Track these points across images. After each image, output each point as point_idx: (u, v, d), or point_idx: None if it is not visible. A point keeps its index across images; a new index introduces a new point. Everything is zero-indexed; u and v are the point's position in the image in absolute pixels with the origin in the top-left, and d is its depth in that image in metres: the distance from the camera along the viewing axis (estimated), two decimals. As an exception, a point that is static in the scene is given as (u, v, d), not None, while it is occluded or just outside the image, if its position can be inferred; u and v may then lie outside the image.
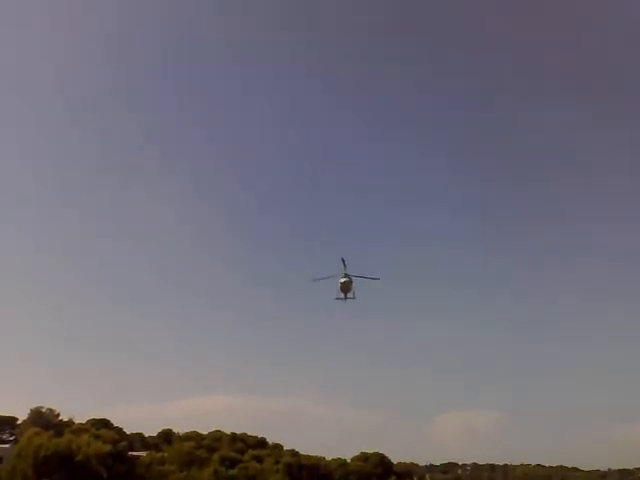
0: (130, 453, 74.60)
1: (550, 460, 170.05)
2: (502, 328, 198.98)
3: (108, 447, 61.98)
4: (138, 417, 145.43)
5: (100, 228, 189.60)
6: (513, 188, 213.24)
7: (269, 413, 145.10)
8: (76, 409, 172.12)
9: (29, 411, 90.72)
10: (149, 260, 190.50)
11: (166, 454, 77.85)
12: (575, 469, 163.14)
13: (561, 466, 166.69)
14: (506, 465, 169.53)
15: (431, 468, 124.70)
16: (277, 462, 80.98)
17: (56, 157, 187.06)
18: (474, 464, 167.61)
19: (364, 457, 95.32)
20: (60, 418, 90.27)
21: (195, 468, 69.82)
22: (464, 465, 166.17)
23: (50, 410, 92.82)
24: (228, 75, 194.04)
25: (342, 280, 46.08)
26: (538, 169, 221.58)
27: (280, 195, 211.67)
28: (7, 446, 79.91)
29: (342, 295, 46.64)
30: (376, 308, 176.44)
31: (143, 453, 78.72)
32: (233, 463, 78.71)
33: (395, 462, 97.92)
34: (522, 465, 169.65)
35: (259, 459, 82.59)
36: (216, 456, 79.75)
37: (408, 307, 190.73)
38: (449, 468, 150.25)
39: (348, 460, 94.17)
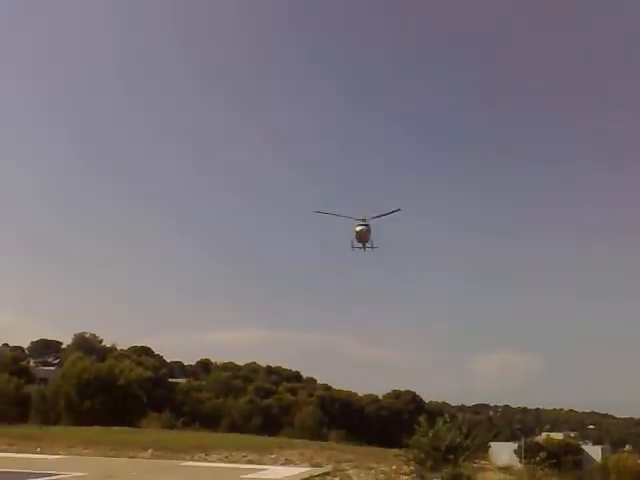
0: (169, 380, 76.88)
1: (583, 406, 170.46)
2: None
3: (149, 373, 63.79)
4: (178, 346, 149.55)
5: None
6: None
7: (303, 349, 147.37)
8: (119, 336, 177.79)
9: (73, 336, 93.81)
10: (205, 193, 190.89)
11: (204, 382, 79.98)
12: (608, 416, 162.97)
13: (594, 412, 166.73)
14: (538, 409, 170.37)
15: (462, 408, 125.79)
16: (310, 395, 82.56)
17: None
18: (506, 406, 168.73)
19: (396, 394, 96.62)
20: (103, 344, 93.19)
21: (231, 397, 71.57)
22: (496, 407, 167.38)
23: (93, 336, 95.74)
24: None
25: (358, 228, 39.08)
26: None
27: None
28: (52, 369, 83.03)
29: (360, 245, 40.79)
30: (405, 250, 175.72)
31: (182, 380, 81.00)
32: (268, 394, 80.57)
33: (427, 401, 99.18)
34: (554, 410, 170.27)
35: (293, 391, 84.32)
36: (251, 386, 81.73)
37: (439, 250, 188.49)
38: (480, 409, 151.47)
39: (380, 397, 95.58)
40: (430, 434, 17.93)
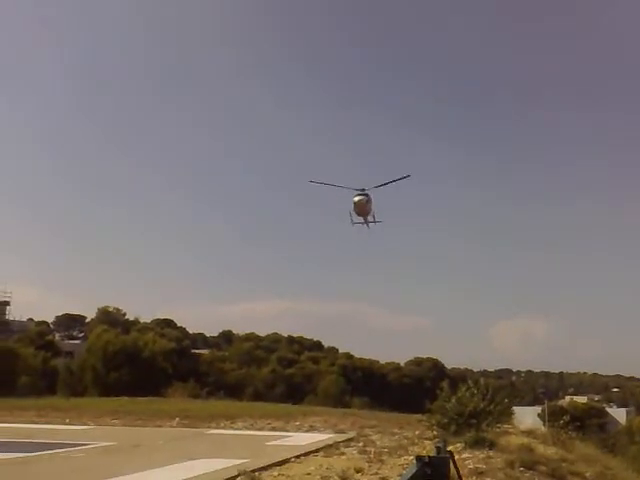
0: (193, 351, 77.86)
1: (607, 369, 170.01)
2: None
3: (172, 345, 64.66)
4: (199, 318, 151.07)
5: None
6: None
7: (324, 318, 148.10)
8: (141, 310, 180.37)
9: (97, 310, 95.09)
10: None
11: (227, 353, 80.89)
12: (633, 379, 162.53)
13: (618, 375, 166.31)
14: (561, 373, 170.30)
15: (485, 374, 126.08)
16: (332, 364, 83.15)
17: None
18: (528, 371, 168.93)
19: (418, 362, 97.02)
20: (126, 317, 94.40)
21: (254, 367, 72.38)
22: (518, 372, 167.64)
23: (117, 309, 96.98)
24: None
25: (356, 199, 33.94)
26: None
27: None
28: (77, 342, 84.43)
29: (361, 219, 36.45)
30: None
31: (205, 351, 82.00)
32: (290, 363, 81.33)
33: (449, 367, 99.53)
34: (578, 373, 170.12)
35: (315, 360, 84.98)
36: (274, 356, 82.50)
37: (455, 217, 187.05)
38: (503, 374, 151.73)
39: (402, 364, 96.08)
40: (453, 400, 18.00)
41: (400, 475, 11.43)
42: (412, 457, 14.34)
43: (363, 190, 35.31)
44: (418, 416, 21.73)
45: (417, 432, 19.69)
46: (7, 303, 78.87)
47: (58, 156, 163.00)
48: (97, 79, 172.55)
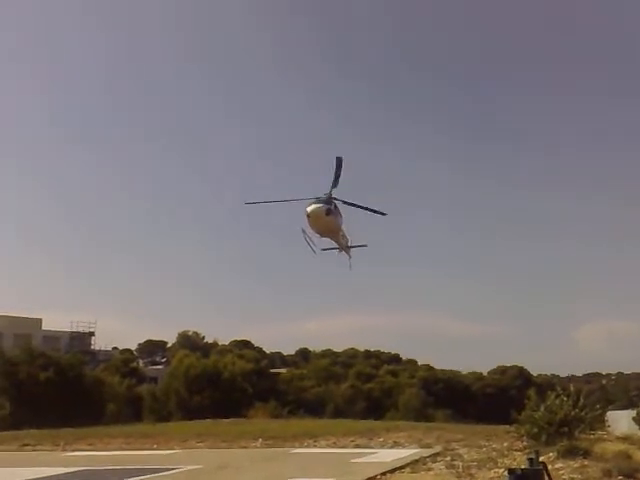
0: (271, 370, 78.50)
1: None
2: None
3: (251, 365, 65.36)
4: (276, 337, 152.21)
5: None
6: None
7: (400, 330, 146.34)
8: (219, 332, 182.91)
9: (177, 335, 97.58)
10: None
11: (304, 371, 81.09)
12: None
13: None
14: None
15: (573, 379, 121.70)
16: (412, 377, 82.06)
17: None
18: (619, 373, 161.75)
19: (501, 370, 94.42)
20: (205, 340, 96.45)
21: (332, 383, 72.19)
22: (608, 375, 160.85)
23: (196, 333, 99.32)
24: None
25: (310, 208, 23.48)
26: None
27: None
28: (160, 367, 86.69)
29: (329, 241, 26.39)
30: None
31: (283, 370, 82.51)
32: (369, 378, 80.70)
33: (534, 374, 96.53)
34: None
35: (394, 374, 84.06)
36: (352, 372, 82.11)
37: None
38: (592, 378, 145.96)
39: (485, 374, 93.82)
40: (542, 408, 17.41)
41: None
42: (502, 470, 13.88)
43: (323, 197, 24.24)
44: (505, 427, 21.11)
45: (505, 444, 19.06)
46: (92, 334, 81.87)
47: (137, 191, 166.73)
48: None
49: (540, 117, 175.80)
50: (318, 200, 23.93)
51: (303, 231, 24.72)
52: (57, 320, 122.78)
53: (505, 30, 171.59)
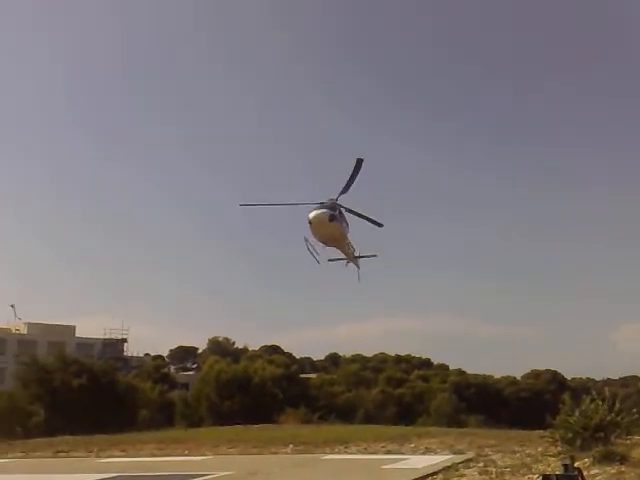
0: (301, 375, 78.59)
1: None
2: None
3: (281, 370, 65.55)
4: (305, 342, 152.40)
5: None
6: None
7: (430, 335, 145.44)
8: (249, 338, 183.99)
9: (207, 341, 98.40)
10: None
11: (334, 376, 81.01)
12: None
13: None
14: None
15: (608, 382, 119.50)
16: (444, 381, 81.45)
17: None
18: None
19: (535, 374, 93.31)
20: (235, 346, 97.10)
21: (363, 388, 71.98)
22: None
23: (226, 339, 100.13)
24: None
25: (312, 215, 22.30)
26: None
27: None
28: (191, 373, 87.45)
29: (334, 250, 25.13)
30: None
31: (313, 375, 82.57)
32: (399, 383, 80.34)
33: (569, 378, 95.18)
34: None
35: (425, 379, 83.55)
36: (382, 377, 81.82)
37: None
38: (629, 381, 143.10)
39: (518, 378, 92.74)
40: (577, 412, 17.09)
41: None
42: (537, 476, 13.66)
43: (328, 202, 22.94)
44: (539, 432, 20.77)
45: (540, 449, 18.75)
46: (125, 340, 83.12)
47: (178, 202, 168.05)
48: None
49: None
50: (321, 206, 22.56)
51: (306, 240, 23.18)
52: (90, 327, 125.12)
53: (538, 31, 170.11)
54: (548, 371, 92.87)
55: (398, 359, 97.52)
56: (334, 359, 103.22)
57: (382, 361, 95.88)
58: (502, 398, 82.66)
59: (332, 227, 22.60)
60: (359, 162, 22.23)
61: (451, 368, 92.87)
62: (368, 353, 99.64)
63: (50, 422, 43.62)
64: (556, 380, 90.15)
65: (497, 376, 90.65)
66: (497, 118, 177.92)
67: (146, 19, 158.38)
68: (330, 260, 25.78)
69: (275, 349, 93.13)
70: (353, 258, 26.46)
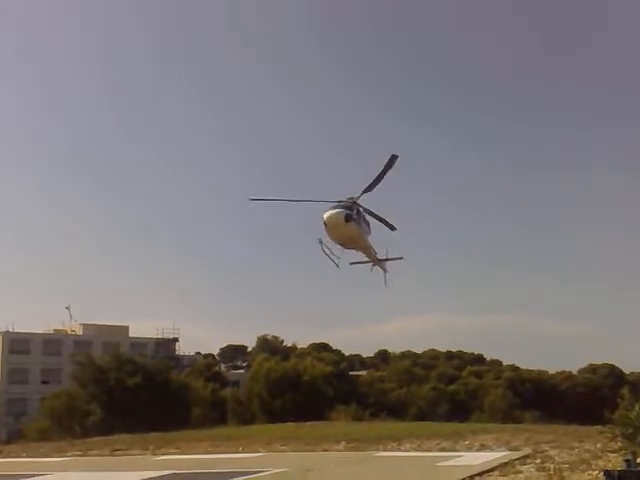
0: (350, 373, 78.53)
1: None
2: None
3: (330, 368, 65.63)
4: (353, 339, 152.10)
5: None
6: None
7: (483, 330, 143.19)
8: (297, 336, 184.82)
9: (256, 339, 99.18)
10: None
11: (385, 373, 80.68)
12: None
13: None
14: None
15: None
16: (498, 377, 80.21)
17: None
18: None
19: (592, 368, 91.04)
20: (284, 344, 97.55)
21: (414, 385, 71.44)
22: None
23: (275, 337, 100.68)
24: None
25: (327, 215, 21.18)
26: None
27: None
28: (242, 371, 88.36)
29: (354, 252, 24.05)
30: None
31: (362, 372, 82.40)
32: (451, 379, 79.46)
33: (627, 372, 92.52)
34: None
35: (478, 375, 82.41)
36: (434, 373, 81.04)
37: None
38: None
39: (574, 373, 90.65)
40: (637, 407, 16.55)
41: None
42: (597, 472, 13.29)
43: (346, 202, 21.50)
44: (598, 427, 20.23)
45: (599, 445, 18.25)
46: (176, 339, 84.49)
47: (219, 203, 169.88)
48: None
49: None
50: (338, 205, 21.24)
51: (320, 242, 21.82)
52: (142, 327, 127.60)
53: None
54: (605, 365, 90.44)
55: (449, 355, 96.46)
56: (383, 356, 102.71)
57: (433, 357, 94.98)
58: (558, 393, 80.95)
59: (349, 228, 21.42)
60: (393, 158, 21.14)
61: (505, 364, 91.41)
62: (418, 349, 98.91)
63: (107, 420, 44.62)
64: (614, 374, 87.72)
65: (552, 371, 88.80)
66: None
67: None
68: (352, 263, 24.46)
69: (324, 346, 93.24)
70: (378, 261, 25.22)
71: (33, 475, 18.44)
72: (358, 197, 21.58)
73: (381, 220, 22.73)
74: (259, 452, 23.04)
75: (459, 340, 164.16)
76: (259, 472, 16.55)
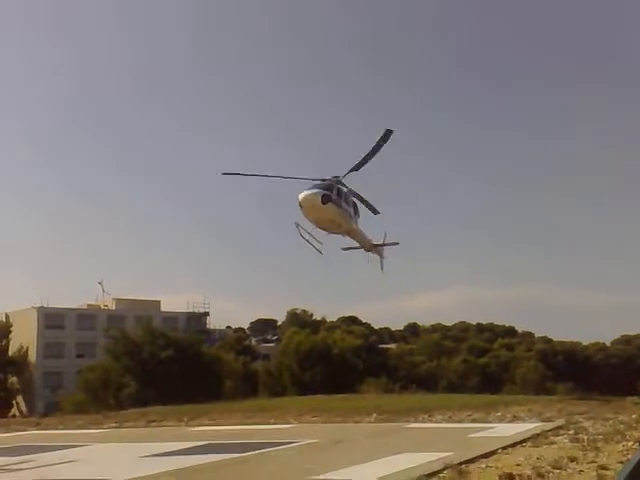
0: (380, 346, 78.67)
1: None
2: None
3: (360, 341, 65.80)
4: (382, 313, 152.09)
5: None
6: None
7: (512, 303, 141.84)
8: (326, 309, 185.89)
9: (286, 313, 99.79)
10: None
11: (414, 346, 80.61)
12: None
13: None
14: None
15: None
16: (529, 350, 79.60)
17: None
18: None
19: (626, 339, 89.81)
20: (313, 318, 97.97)
21: (444, 358, 71.30)
22: None
23: (304, 311, 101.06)
24: None
25: (302, 195, 19.99)
26: None
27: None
28: (272, 345, 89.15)
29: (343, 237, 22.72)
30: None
31: (392, 346, 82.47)
32: (482, 352, 79.01)
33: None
34: None
35: (509, 347, 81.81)
36: (464, 346, 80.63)
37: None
38: None
39: (608, 344, 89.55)
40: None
41: (622, 463, 10.45)
42: (632, 443, 13.13)
43: (329, 181, 19.86)
44: (632, 398, 20.02)
45: (634, 416, 18.06)
46: (207, 314, 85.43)
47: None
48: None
49: None
50: (316, 185, 19.96)
51: (297, 225, 20.57)
52: (174, 302, 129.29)
53: None
54: (639, 336, 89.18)
55: (480, 328, 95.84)
56: (413, 329, 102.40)
57: (463, 330, 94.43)
58: (591, 365, 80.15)
59: (327, 210, 20.14)
60: (388, 133, 19.97)
61: (537, 336, 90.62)
62: (448, 322, 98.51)
63: (141, 393, 45.39)
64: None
65: (585, 342, 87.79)
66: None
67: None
68: (344, 249, 23.26)
69: (353, 320, 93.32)
70: (372, 246, 23.85)
71: (72, 446, 18.90)
72: (343, 176, 20.19)
73: (364, 202, 21.57)
74: (290, 423, 23.30)
75: (491, 312, 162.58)
76: (292, 442, 16.74)
